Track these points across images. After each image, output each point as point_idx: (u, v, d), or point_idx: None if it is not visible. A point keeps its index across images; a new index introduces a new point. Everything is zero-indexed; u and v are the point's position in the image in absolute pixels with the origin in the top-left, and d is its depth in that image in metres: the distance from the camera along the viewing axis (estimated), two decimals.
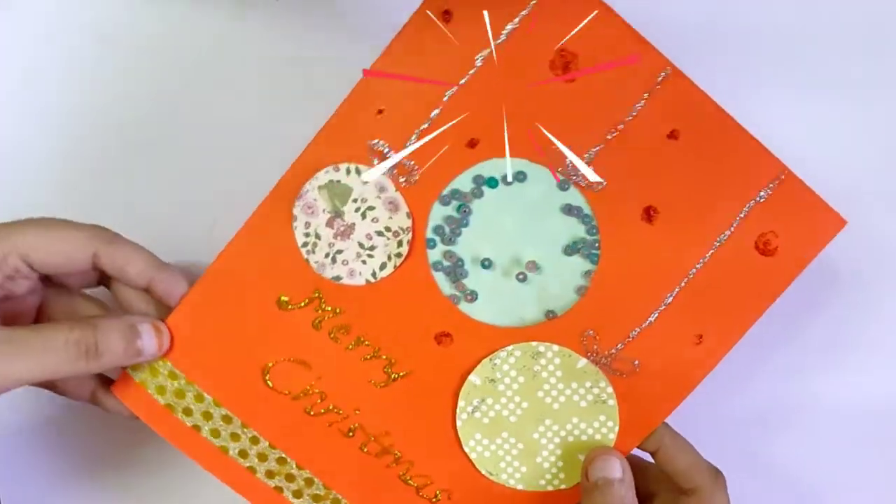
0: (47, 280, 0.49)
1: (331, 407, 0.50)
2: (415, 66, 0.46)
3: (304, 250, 0.48)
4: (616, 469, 0.48)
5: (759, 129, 0.47)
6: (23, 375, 0.44)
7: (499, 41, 0.45)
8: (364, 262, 0.48)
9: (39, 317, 0.49)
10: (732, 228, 0.47)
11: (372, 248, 0.48)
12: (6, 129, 0.55)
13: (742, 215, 0.47)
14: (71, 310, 0.50)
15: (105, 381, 0.51)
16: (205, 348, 0.49)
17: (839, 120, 0.54)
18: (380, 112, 0.46)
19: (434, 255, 0.48)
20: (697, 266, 0.47)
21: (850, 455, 0.57)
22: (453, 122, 0.46)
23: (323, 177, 0.47)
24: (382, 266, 0.48)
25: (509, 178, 0.47)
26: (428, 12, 0.45)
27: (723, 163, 0.46)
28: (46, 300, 0.49)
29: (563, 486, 0.51)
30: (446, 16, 0.45)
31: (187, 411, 0.50)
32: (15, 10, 0.54)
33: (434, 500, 0.51)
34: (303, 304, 0.49)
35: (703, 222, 0.47)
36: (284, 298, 0.49)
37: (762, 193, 0.47)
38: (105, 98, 0.55)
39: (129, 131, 0.55)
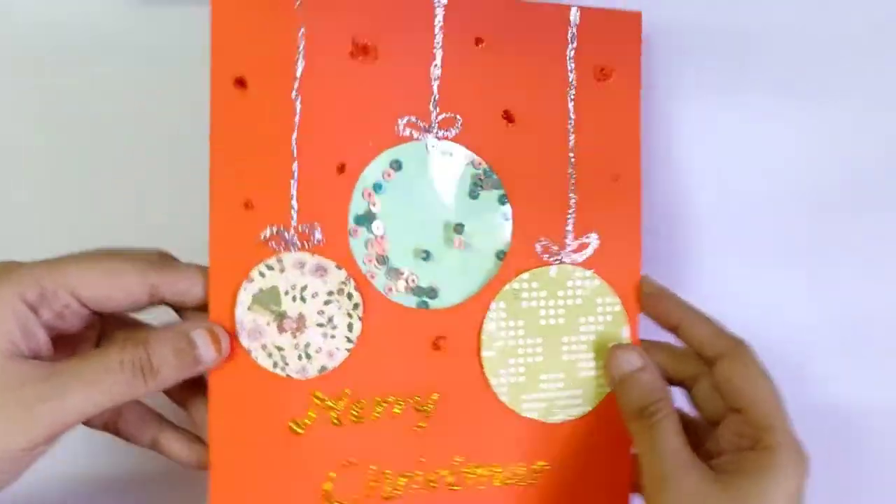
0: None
1: (401, 481, 0.49)
2: (244, 137, 0.45)
3: (278, 371, 0.46)
4: (635, 359, 0.50)
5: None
6: (83, 407, 0.42)
7: (299, 70, 0.45)
8: (333, 336, 0.47)
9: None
10: (573, 79, 0.50)
11: (330, 319, 0.47)
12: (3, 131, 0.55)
13: (572, 65, 0.50)
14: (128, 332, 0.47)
15: (167, 425, 0.48)
16: None
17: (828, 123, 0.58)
18: (248, 206, 0.45)
19: (381, 283, 0.48)
20: (570, 125, 0.50)
21: None
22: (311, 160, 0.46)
23: (245, 297, 0.45)
24: (350, 327, 0.47)
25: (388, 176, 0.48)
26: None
27: (526, 35, 0.49)
28: (105, 330, 0.47)
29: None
30: (240, 83, 0.45)
31: None
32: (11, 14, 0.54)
33: (534, 480, 0.51)
34: (311, 417, 0.47)
35: (550, 90, 0.50)
36: (294, 426, 0.47)
37: (570, 38, 0.50)
38: (103, 101, 0.54)
39: (127, 134, 0.55)
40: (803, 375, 0.59)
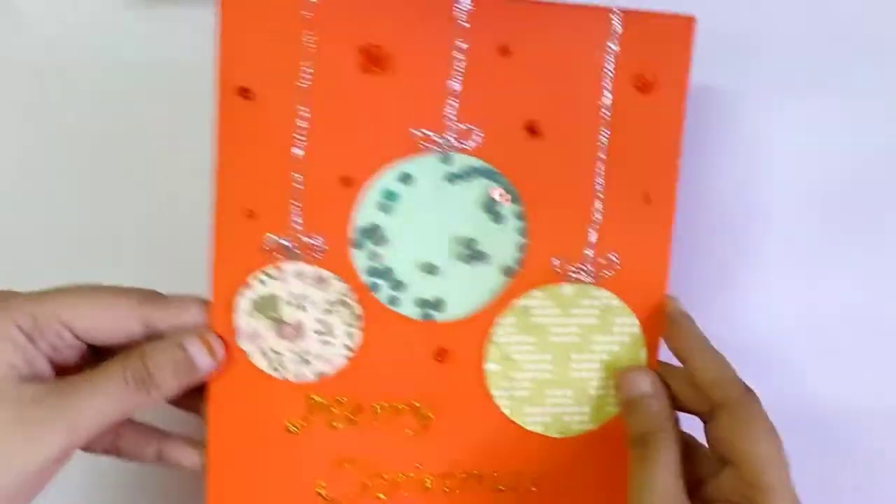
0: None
1: (396, 479, 0.49)
2: (250, 149, 0.44)
3: (275, 374, 0.47)
4: (645, 384, 0.48)
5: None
6: (94, 421, 0.43)
7: (306, 80, 0.44)
8: (332, 344, 0.47)
9: None
10: (610, 90, 0.46)
11: (329, 328, 0.47)
12: (3, 137, 0.55)
13: (610, 74, 0.46)
14: None
15: (169, 435, 0.50)
16: None
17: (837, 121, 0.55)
18: (251, 214, 0.45)
19: (383, 295, 0.47)
20: (603, 137, 0.47)
21: None
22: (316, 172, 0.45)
23: (243, 303, 0.46)
24: (349, 335, 0.47)
25: (398, 189, 0.46)
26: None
27: (562, 43, 0.45)
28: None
29: None
30: (245, 93, 0.43)
31: None
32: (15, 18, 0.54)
33: (531, 490, 0.50)
34: (310, 417, 0.48)
35: (582, 103, 0.46)
36: (290, 425, 0.48)
37: (610, 44, 0.46)
38: (103, 102, 0.54)
39: (126, 138, 0.54)
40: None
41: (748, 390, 0.46)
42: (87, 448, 0.46)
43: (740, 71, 0.55)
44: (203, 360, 0.45)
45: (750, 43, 0.55)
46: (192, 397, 0.48)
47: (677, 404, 0.49)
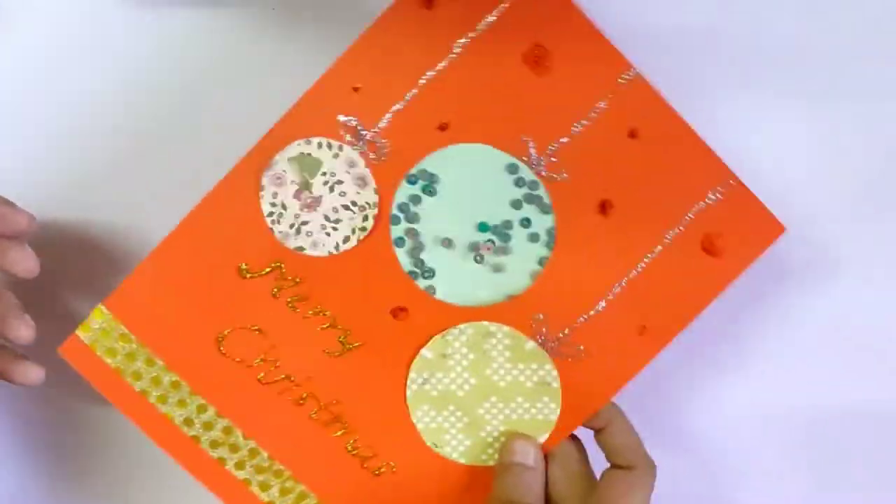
0: None
1: (283, 376, 0.51)
2: (394, 48, 0.47)
3: (269, 220, 0.49)
4: (530, 457, 0.51)
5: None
6: None
7: (476, 31, 0.47)
8: (328, 234, 0.49)
9: None
10: (681, 227, 0.49)
11: (337, 220, 0.49)
12: (6, 136, 0.55)
13: (691, 215, 0.49)
14: None
15: (9, 354, 0.51)
16: (160, 312, 0.50)
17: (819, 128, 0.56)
18: (356, 89, 0.47)
19: (397, 231, 0.49)
20: (645, 260, 0.50)
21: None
22: (426, 104, 0.48)
23: (294, 149, 0.48)
24: (346, 239, 0.49)
25: (472, 164, 0.49)
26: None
27: (676, 165, 0.49)
28: None
29: None
30: (428, 3, 0.47)
31: (136, 375, 0.51)
32: (13, 18, 0.54)
33: (377, 472, 0.52)
34: (264, 273, 0.50)
35: (654, 219, 0.49)
36: (245, 266, 0.50)
37: (710, 196, 0.49)
38: (104, 106, 0.54)
39: (126, 139, 0.55)
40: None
41: (653, 462, 0.50)
42: None
43: (737, 70, 0.55)
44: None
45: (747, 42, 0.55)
46: None
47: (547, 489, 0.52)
